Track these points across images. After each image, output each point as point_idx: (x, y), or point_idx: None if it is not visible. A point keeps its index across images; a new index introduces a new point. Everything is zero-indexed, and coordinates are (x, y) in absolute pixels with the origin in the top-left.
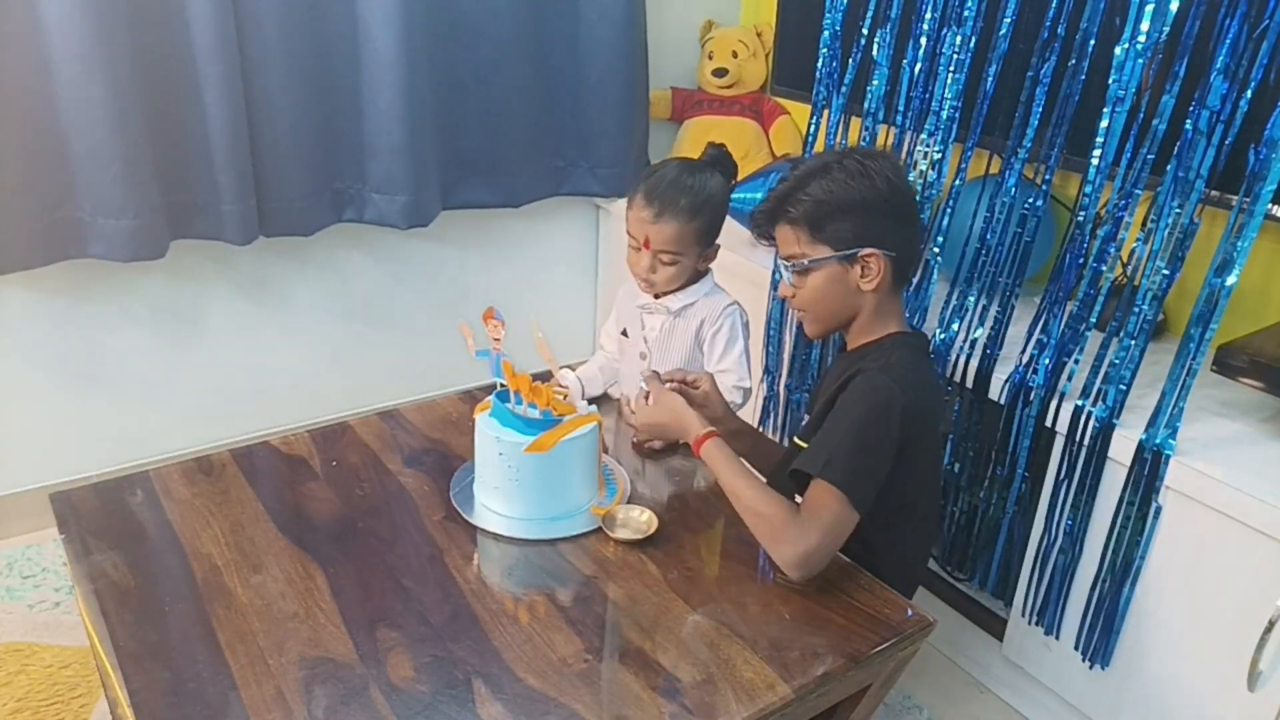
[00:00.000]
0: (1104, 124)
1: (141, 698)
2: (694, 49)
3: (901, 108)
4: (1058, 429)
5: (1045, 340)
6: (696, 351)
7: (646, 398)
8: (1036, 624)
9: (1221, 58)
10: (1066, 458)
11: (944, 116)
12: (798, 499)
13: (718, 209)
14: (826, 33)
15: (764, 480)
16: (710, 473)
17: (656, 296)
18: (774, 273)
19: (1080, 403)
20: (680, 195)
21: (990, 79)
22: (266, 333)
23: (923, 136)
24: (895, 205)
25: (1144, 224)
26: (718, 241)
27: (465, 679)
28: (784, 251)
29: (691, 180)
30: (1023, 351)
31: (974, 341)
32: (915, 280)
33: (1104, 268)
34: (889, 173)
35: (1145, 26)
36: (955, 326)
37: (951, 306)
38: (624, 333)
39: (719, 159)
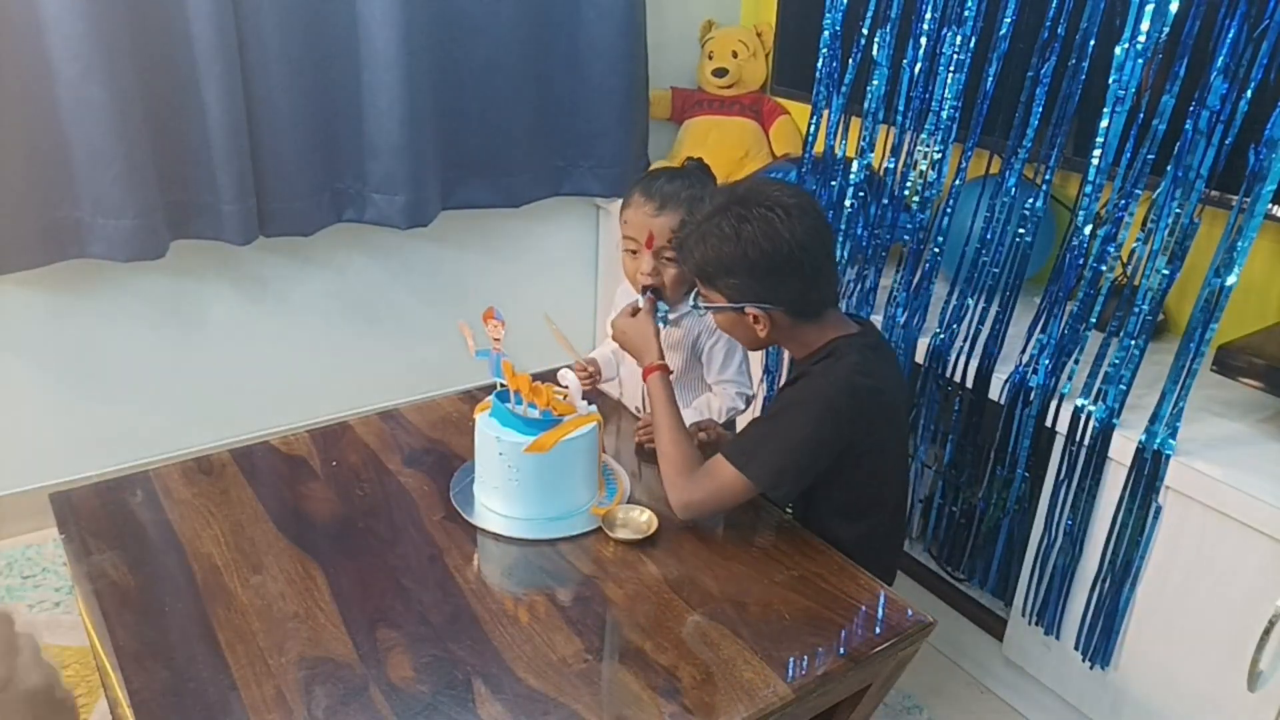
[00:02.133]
0: (1104, 124)
1: (141, 698)
2: (694, 49)
3: (901, 108)
4: (1058, 429)
5: (1045, 340)
6: (694, 361)
7: (635, 312)
8: (1036, 624)
9: (1221, 58)
10: (1066, 458)
11: (944, 116)
12: None
13: None
14: (826, 33)
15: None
16: (648, 400)
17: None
18: None
19: (1080, 403)
20: (680, 189)
21: (990, 79)
22: (266, 333)
23: (923, 136)
24: (772, 265)
25: (1144, 224)
26: None
27: (465, 679)
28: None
29: (685, 179)
30: (1023, 351)
31: (974, 341)
32: (915, 280)
33: (1104, 268)
34: (760, 235)
35: (1145, 26)
36: (955, 326)
37: (951, 306)
38: None
39: (699, 170)
